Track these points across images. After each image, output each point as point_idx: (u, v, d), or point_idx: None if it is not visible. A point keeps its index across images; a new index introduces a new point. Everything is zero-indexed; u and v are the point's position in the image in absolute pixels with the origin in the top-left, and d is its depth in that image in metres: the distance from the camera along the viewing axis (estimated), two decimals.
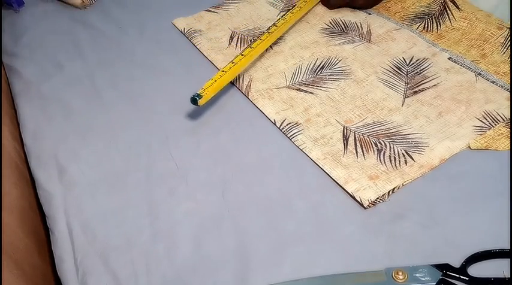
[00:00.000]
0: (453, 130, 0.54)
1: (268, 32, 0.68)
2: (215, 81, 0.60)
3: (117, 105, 0.64)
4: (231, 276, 0.44)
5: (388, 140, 0.54)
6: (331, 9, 0.74)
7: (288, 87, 0.62)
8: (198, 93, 0.57)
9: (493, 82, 0.58)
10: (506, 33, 0.63)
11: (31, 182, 0.59)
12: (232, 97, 0.62)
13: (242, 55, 0.64)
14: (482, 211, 0.46)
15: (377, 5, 0.74)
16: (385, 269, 0.42)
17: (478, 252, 0.42)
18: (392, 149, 0.52)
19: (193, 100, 0.57)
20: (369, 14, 0.72)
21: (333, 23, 0.72)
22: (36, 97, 0.67)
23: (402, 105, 0.58)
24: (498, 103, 0.56)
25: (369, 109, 0.58)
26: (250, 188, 0.51)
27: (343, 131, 0.55)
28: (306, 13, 0.74)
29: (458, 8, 0.69)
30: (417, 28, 0.68)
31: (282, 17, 0.71)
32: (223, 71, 0.61)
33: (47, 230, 0.53)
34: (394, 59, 0.64)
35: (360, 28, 0.70)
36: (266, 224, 0.48)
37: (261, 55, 0.67)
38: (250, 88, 0.63)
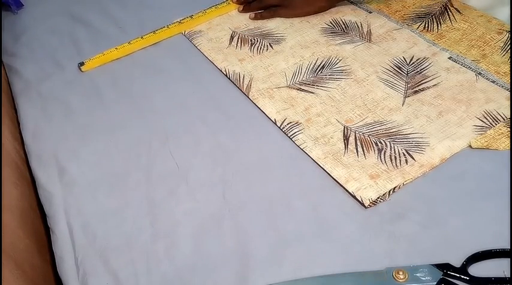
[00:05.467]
0: (454, 130, 0.53)
1: (180, 22, 0.75)
2: (104, 54, 0.71)
3: (117, 105, 0.64)
4: (231, 276, 0.44)
5: (389, 139, 0.54)
6: (255, 20, 0.75)
7: (288, 86, 0.62)
8: (83, 61, 0.71)
9: (493, 81, 0.58)
10: (505, 37, 0.64)
11: (31, 182, 0.59)
12: (233, 97, 0.62)
13: (141, 38, 0.73)
14: (482, 210, 0.46)
15: (378, 3, 0.73)
16: (386, 269, 0.42)
17: (478, 252, 0.42)
18: (392, 149, 0.52)
19: (79, 65, 0.70)
20: (370, 12, 0.72)
21: (333, 23, 0.72)
22: (36, 97, 0.67)
23: (403, 104, 0.57)
24: (498, 103, 0.56)
25: (369, 108, 0.58)
26: (251, 188, 0.51)
27: (344, 130, 0.55)
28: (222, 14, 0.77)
29: (459, 11, 0.69)
30: (417, 28, 0.68)
31: (202, 11, 0.77)
32: (116, 48, 0.72)
33: (47, 230, 0.53)
34: (395, 59, 0.64)
35: (360, 28, 0.70)
36: (266, 224, 0.48)
37: (261, 55, 0.67)
38: (250, 87, 0.63)
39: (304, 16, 0.74)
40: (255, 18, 0.74)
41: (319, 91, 0.61)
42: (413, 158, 0.51)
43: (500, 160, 0.50)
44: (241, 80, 0.64)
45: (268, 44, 0.70)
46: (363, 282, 0.42)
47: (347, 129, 0.55)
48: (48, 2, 0.85)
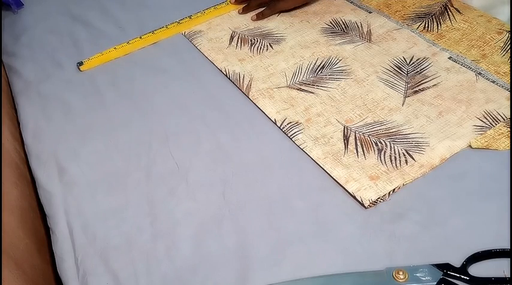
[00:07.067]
0: (453, 130, 0.53)
1: (178, 22, 0.75)
2: (103, 54, 0.72)
3: (117, 105, 0.64)
4: (231, 276, 0.44)
5: (389, 140, 0.54)
6: (256, 20, 0.75)
7: (288, 86, 0.62)
8: (82, 60, 0.71)
9: (493, 81, 0.58)
10: (505, 37, 0.64)
11: (31, 182, 0.59)
12: (233, 97, 0.62)
13: (140, 38, 0.73)
14: (482, 210, 0.46)
15: (378, 3, 0.73)
16: (386, 269, 0.42)
17: (478, 252, 0.42)
18: (392, 149, 0.52)
19: (78, 64, 0.71)
20: (369, 12, 0.72)
21: (333, 23, 0.72)
22: (36, 97, 0.67)
23: (403, 104, 0.57)
24: (498, 103, 0.56)
25: (369, 108, 0.58)
26: (251, 188, 0.51)
27: (344, 130, 0.55)
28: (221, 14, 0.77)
29: (459, 11, 0.69)
30: (417, 28, 0.68)
31: (201, 11, 0.77)
32: (114, 48, 0.72)
33: (47, 230, 0.53)
34: (395, 59, 0.64)
35: (360, 28, 0.70)
36: (266, 224, 0.48)
37: (261, 55, 0.67)
38: (250, 87, 0.63)
39: (303, 4, 0.74)
40: (257, 18, 0.74)
41: (319, 91, 0.61)
42: (413, 159, 0.51)
43: (500, 160, 0.50)
44: (241, 80, 0.64)
45: (268, 44, 0.70)
46: (363, 282, 0.42)
47: (347, 129, 0.55)
48: (48, 2, 0.85)
